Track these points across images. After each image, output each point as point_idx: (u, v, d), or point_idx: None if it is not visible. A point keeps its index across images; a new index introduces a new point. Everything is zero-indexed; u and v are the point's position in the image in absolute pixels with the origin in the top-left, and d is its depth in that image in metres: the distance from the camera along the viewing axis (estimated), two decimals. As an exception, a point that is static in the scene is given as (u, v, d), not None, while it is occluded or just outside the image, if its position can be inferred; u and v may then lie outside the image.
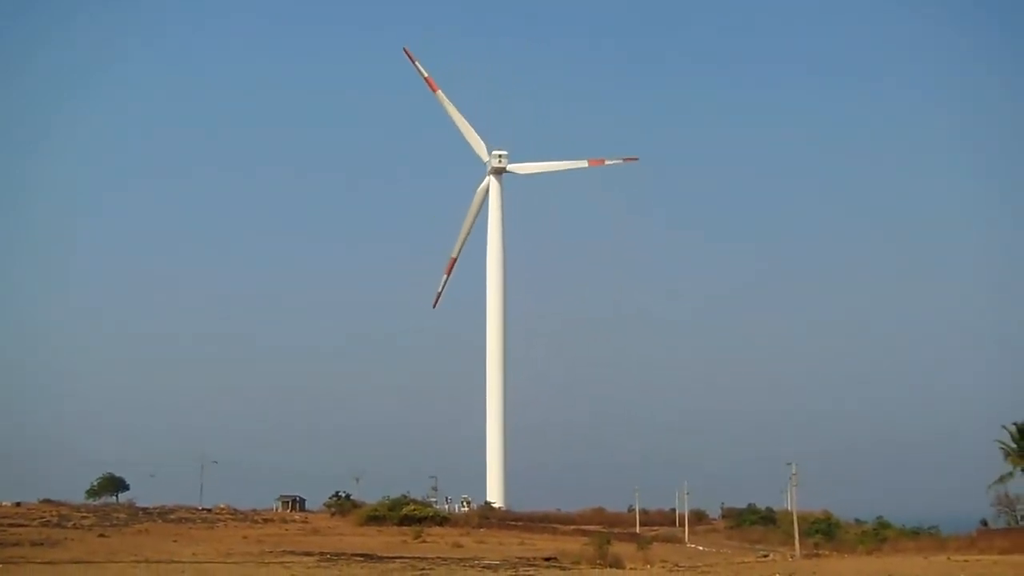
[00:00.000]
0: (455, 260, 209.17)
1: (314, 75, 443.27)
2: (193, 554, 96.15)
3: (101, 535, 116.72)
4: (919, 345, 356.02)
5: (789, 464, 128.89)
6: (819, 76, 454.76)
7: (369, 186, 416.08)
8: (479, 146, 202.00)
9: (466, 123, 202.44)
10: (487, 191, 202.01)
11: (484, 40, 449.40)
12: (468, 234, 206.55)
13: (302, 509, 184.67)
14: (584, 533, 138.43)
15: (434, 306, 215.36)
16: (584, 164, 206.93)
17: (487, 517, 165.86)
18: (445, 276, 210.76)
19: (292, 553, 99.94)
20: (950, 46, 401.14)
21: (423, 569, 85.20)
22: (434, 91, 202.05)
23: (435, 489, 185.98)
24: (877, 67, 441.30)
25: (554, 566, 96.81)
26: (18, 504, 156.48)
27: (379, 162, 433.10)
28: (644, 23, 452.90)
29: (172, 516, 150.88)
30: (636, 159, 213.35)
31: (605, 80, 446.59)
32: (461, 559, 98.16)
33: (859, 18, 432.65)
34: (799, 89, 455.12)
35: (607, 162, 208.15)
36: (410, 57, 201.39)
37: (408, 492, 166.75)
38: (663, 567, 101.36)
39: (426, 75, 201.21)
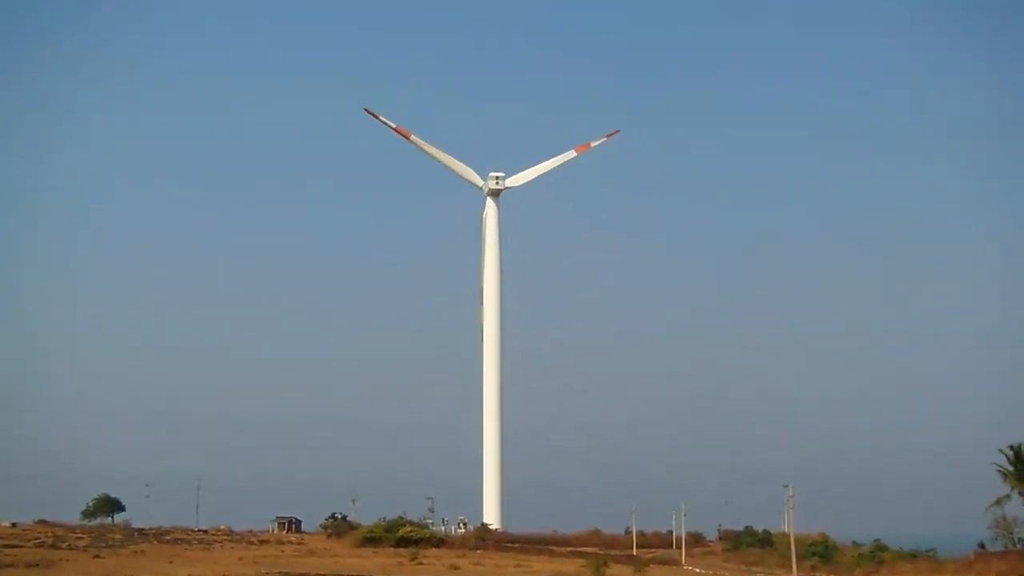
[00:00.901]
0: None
1: (314, 84, 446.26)
2: (189, 575, 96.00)
3: (96, 556, 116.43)
4: (917, 367, 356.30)
5: (786, 486, 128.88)
6: (815, 78, 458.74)
7: (368, 201, 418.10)
8: (470, 175, 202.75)
9: (450, 158, 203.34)
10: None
11: (482, 49, 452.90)
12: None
13: (298, 530, 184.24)
14: (581, 555, 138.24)
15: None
16: (572, 154, 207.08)
17: (484, 539, 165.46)
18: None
19: (288, 574, 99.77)
20: (949, 48, 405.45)
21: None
22: (407, 138, 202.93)
23: (432, 511, 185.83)
24: (875, 68, 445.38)
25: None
26: (14, 525, 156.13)
27: (379, 177, 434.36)
28: (639, 27, 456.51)
29: (168, 537, 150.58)
30: (617, 132, 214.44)
31: (599, 85, 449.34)
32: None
33: (856, 20, 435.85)
34: (797, 91, 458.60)
35: (592, 144, 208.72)
36: (373, 115, 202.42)
37: (404, 513, 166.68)
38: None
39: (394, 126, 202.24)
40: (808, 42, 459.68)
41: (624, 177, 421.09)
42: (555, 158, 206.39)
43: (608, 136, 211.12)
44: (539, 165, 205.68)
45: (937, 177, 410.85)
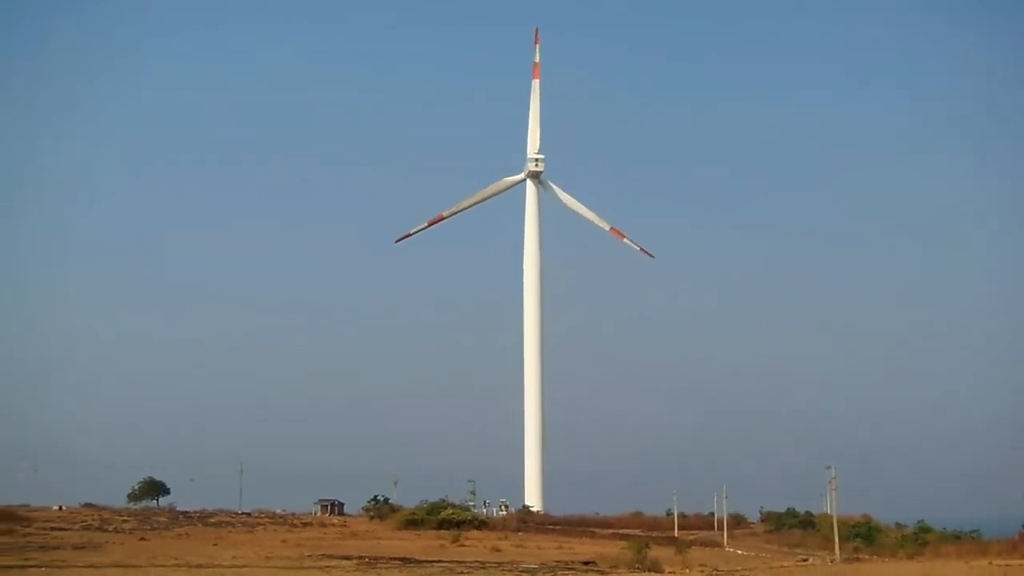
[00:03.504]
0: (443, 218, 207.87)
1: (341, 63, 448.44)
2: (233, 557, 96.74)
3: (142, 539, 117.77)
4: (957, 347, 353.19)
5: (828, 467, 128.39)
6: (821, 71, 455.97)
7: (399, 185, 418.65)
8: (533, 143, 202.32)
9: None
10: (513, 184, 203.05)
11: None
12: (472, 206, 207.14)
13: (341, 513, 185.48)
14: (622, 537, 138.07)
15: (396, 241, 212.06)
16: (606, 227, 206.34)
17: (525, 521, 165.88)
18: (424, 224, 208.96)
19: (331, 557, 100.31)
20: (952, 46, 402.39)
21: (461, 573, 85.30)
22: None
23: (473, 493, 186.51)
24: (879, 67, 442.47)
25: (592, 570, 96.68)
26: (61, 508, 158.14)
27: (413, 166, 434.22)
28: (663, 24, 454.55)
29: (212, 520, 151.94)
30: (652, 256, 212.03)
31: (627, 81, 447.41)
32: (499, 563, 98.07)
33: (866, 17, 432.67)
34: (802, 89, 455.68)
35: (626, 240, 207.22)
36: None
37: (446, 496, 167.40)
38: (702, 571, 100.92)
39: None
40: (824, 35, 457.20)
41: (658, 157, 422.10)
42: (592, 214, 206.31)
43: (641, 250, 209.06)
44: (577, 203, 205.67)
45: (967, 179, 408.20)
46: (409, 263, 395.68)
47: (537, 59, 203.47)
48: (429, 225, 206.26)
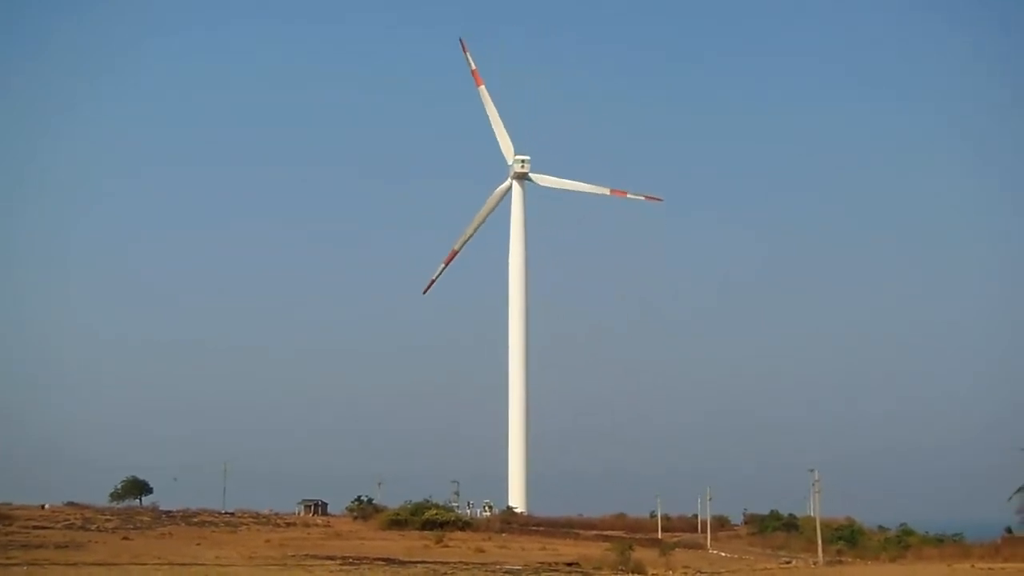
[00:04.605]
0: (456, 252, 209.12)
1: (341, 63, 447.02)
2: (216, 557, 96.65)
3: (125, 538, 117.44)
4: (944, 350, 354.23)
5: (812, 470, 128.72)
6: (820, 76, 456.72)
7: (387, 185, 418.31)
8: (507, 147, 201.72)
9: (500, 122, 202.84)
10: (504, 194, 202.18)
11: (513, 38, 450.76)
12: (476, 230, 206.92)
13: (324, 513, 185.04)
14: (606, 539, 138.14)
15: (424, 292, 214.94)
16: (606, 192, 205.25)
17: (509, 522, 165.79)
18: (442, 266, 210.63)
19: (314, 557, 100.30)
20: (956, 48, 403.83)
21: (445, 574, 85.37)
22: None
23: (457, 494, 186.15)
24: (879, 67, 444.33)
25: (576, 571, 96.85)
26: (43, 507, 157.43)
27: (402, 165, 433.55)
28: (662, 24, 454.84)
29: (195, 519, 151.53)
30: (660, 200, 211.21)
31: (625, 84, 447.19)
32: (483, 564, 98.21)
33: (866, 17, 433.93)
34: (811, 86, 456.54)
35: (629, 195, 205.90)
36: (463, 48, 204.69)
37: (430, 497, 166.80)
38: (685, 573, 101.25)
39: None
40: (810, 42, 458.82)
41: (657, 157, 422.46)
42: (588, 184, 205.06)
43: (648, 198, 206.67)
44: (570, 181, 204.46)
45: (961, 183, 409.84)
46: (402, 264, 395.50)
47: (474, 67, 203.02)
48: (447, 265, 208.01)
